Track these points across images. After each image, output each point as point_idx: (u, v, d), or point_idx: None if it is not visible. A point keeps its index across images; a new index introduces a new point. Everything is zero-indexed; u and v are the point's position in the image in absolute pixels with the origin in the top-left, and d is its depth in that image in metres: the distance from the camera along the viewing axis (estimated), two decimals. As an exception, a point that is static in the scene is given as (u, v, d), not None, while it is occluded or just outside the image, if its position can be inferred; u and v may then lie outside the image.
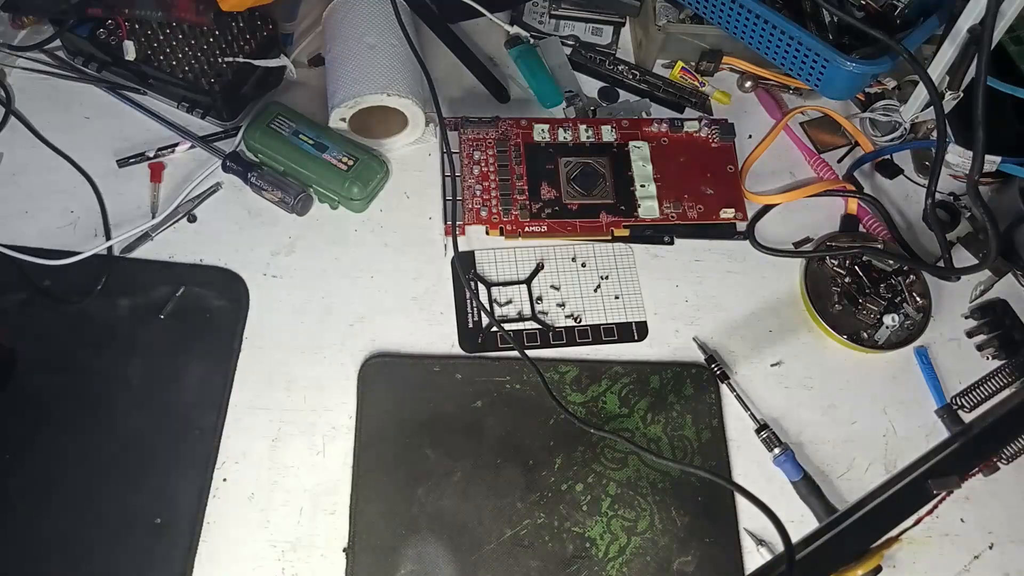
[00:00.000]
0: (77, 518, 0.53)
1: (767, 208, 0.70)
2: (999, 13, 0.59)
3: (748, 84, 0.76)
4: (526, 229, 0.66)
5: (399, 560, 0.54)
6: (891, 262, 0.67)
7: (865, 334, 0.64)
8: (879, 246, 0.68)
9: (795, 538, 0.43)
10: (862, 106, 0.75)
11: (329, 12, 0.69)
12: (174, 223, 0.64)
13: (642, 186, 0.68)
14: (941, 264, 0.67)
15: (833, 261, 0.67)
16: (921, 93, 0.69)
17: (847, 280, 0.66)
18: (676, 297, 0.66)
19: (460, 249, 0.65)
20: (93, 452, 0.55)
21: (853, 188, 0.72)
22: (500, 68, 0.75)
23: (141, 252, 0.63)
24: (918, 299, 0.66)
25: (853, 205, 0.71)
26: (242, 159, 0.65)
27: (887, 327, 0.64)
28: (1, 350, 0.57)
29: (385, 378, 0.60)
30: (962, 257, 0.69)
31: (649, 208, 0.68)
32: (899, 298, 0.66)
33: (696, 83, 0.76)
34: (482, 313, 0.63)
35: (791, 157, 0.74)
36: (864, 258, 0.67)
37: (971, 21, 0.61)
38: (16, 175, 0.64)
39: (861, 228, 0.71)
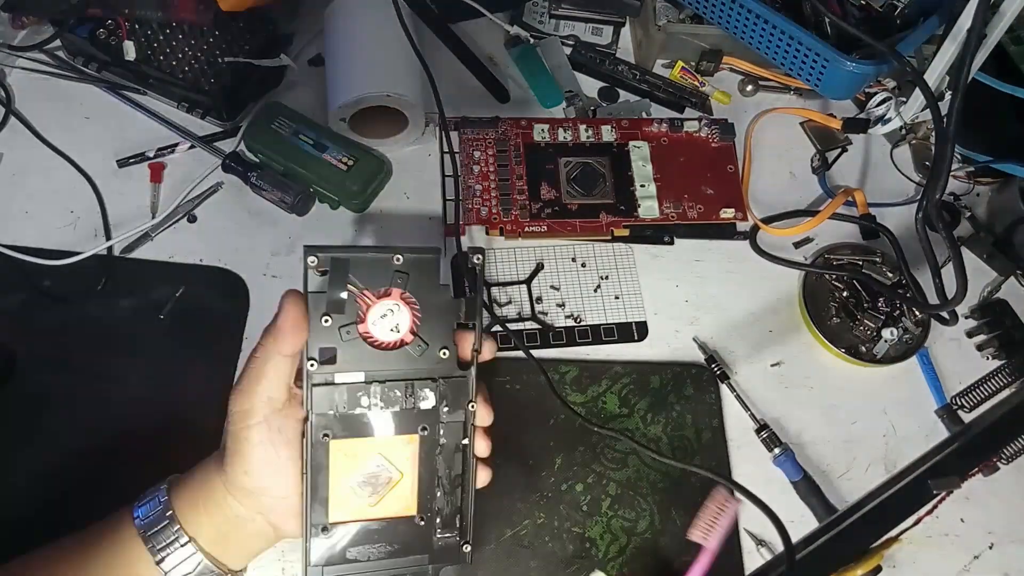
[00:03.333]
0: (78, 519, 0.53)
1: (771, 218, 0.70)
2: (999, 13, 0.59)
3: (750, 88, 0.76)
4: (526, 229, 0.66)
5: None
6: (890, 275, 0.67)
7: (863, 348, 0.64)
8: (877, 259, 0.67)
9: (795, 538, 0.43)
10: (861, 105, 0.76)
11: (329, 12, 0.69)
12: (174, 223, 0.64)
13: (642, 186, 0.68)
14: (936, 301, 0.62)
15: (831, 275, 0.67)
16: (920, 94, 0.69)
17: (845, 294, 0.66)
18: (676, 297, 0.66)
19: (460, 249, 0.65)
20: (93, 452, 0.55)
21: (870, 215, 0.70)
22: (500, 68, 0.75)
23: (141, 252, 0.62)
24: (917, 312, 0.65)
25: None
26: (242, 159, 0.65)
27: (886, 340, 0.64)
28: (1, 350, 0.57)
29: (385, 378, 0.60)
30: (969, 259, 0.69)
31: (649, 208, 0.68)
32: (898, 311, 0.65)
33: (696, 83, 0.76)
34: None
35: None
36: (863, 270, 0.67)
37: (972, 21, 0.61)
38: (16, 175, 0.64)
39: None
